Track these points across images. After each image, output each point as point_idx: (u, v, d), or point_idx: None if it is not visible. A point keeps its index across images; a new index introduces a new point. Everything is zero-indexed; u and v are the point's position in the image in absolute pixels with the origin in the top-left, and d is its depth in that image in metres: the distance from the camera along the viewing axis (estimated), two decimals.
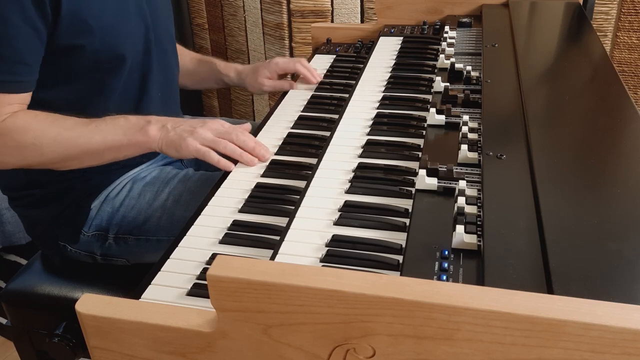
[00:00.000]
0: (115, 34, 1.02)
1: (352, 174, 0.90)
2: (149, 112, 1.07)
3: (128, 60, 1.06)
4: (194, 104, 2.56)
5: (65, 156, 0.98)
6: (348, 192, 0.86)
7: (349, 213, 0.80)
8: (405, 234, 0.75)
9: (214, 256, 0.75)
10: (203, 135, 0.97)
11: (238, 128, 1.01)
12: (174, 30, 1.25)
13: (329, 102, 1.18)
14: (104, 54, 1.02)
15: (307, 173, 0.92)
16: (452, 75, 1.17)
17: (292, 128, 1.09)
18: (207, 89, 2.19)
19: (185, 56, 1.39)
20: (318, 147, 1.00)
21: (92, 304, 0.60)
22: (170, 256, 0.78)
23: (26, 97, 0.98)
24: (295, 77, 1.33)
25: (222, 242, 0.80)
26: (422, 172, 0.81)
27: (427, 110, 1.02)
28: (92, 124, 0.98)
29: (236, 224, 0.83)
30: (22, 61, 0.94)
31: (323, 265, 0.71)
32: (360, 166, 0.92)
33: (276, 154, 1.01)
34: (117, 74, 1.06)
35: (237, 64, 1.37)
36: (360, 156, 0.95)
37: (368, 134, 1.01)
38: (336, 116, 1.10)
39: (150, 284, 0.73)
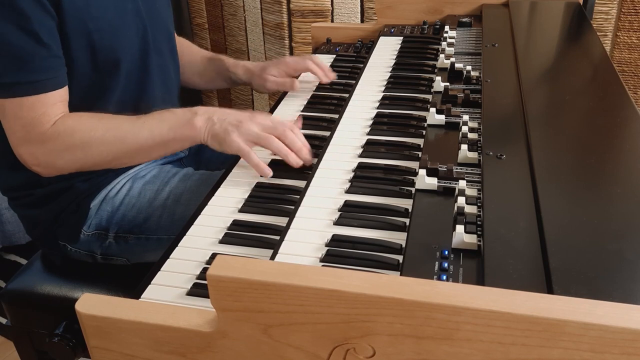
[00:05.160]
0: (113, 36, 1.02)
1: (352, 174, 0.90)
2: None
3: (125, 62, 1.05)
4: (194, 105, 2.54)
5: (115, 155, 0.98)
6: (348, 191, 0.86)
7: (349, 213, 0.80)
8: (405, 233, 0.75)
9: (214, 256, 0.75)
10: (249, 129, 0.94)
11: (287, 124, 0.97)
12: (174, 32, 1.24)
13: (329, 102, 1.18)
14: (102, 57, 1.01)
15: (307, 173, 0.92)
16: (452, 75, 1.17)
17: None
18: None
19: (196, 55, 1.37)
20: (318, 147, 1.00)
21: (92, 304, 0.60)
22: (170, 256, 0.78)
23: (64, 92, 0.97)
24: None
25: (222, 241, 0.80)
26: (422, 172, 0.81)
27: (427, 110, 1.02)
28: (139, 121, 0.98)
29: (236, 224, 0.83)
30: (53, 54, 0.94)
31: (323, 265, 0.71)
32: (360, 166, 0.92)
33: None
34: (115, 76, 1.05)
35: (248, 62, 1.33)
36: (360, 156, 0.95)
37: (368, 134, 1.01)
38: (336, 116, 1.10)
39: (150, 283, 0.73)
